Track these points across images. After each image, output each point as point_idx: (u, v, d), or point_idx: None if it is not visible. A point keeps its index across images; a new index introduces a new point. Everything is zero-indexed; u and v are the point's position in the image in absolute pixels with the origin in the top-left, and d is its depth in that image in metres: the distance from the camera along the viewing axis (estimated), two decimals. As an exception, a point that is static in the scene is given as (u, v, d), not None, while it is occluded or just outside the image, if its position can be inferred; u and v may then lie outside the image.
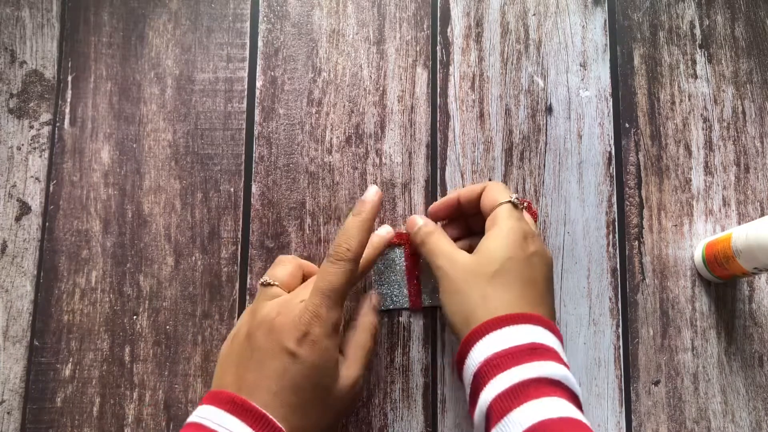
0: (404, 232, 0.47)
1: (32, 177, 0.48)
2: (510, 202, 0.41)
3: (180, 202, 0.48)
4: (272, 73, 0.50)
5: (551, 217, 0.48)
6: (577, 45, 0.51)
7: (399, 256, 0.47)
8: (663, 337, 0.47)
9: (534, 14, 0.51)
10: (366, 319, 0.42)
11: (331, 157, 0.49)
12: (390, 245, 0.46)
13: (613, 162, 0.49)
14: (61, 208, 0.47)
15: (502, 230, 0.40)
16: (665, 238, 0.48)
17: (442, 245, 0.42)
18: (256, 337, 0.37)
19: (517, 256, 0.39)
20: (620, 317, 0.47)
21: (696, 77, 0.51)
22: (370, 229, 0.40)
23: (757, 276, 0.48)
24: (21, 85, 0.49)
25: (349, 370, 0.39)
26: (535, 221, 0.48)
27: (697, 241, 0.48)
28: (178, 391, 0.45)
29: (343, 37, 0.50)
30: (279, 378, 0.36)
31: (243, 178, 0.48)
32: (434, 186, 0.49)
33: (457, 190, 0.47)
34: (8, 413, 0.45)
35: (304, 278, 0.43)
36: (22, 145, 0.48)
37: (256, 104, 0.49)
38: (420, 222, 0.44)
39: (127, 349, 0.46)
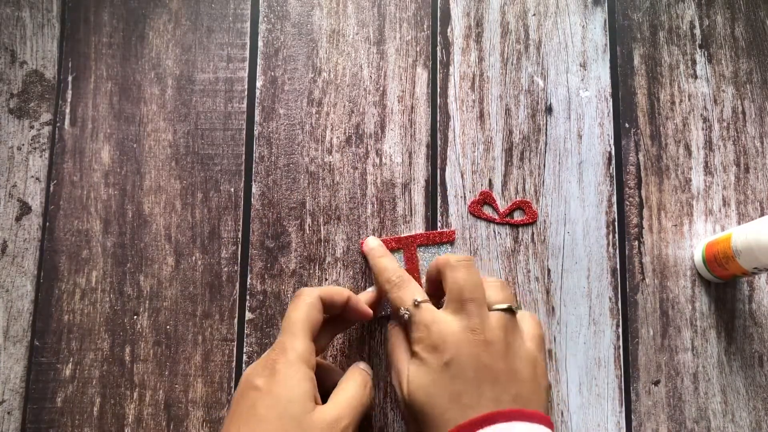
0: (403, 236, 0.47)
1: (32, 177, 0.48)
2: (396, 324, 0.41)
3: (180, 202, 0.48)
4: (272, 73, 0.50)
5: (551, 217, 0.48)
6: (577, 45, 0.51)
7: (399, 260, 0.47)
8: (663, 337, 0.47)
9: (534, 14, 0.51)
10: (354, 370, 0.41)
11: (331, 157, 0.49)
12: (390, 250, 0.47)
13: (613, 162, 0.49)
14: (61, 208, 0.47)
15: (415, 358, 0.39)
16: (665, 238, 0.49)
17: (394, 358, 0.41)
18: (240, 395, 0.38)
19: (437, 385, 0.37)
20: (620, 317, 0.47)
21: (696, 77, 0.51)
22: (334, 290, 0.41)
23: (757, 276, 0.48)
24: (21, 85, 0.49)
25: (329, 409, 0.37)
26: (535, 221, 0.48)
27: (697, 241, 0.48)
28: (178, 391, 0.45)
29: (343, 37, 0.50)
30: (249, 415, 0.35)
31: (243, 178, 0.48)
32: (434, 186, 0.49)
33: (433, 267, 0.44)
34: (8, 413, 0.45)
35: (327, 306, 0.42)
36: (23, 145, 0.48)
37: (256, 104, 0.49)
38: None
39: (128, 349, 0.46)
